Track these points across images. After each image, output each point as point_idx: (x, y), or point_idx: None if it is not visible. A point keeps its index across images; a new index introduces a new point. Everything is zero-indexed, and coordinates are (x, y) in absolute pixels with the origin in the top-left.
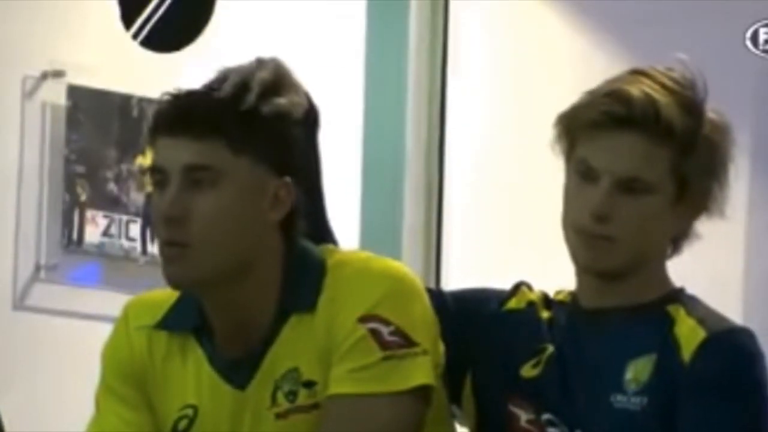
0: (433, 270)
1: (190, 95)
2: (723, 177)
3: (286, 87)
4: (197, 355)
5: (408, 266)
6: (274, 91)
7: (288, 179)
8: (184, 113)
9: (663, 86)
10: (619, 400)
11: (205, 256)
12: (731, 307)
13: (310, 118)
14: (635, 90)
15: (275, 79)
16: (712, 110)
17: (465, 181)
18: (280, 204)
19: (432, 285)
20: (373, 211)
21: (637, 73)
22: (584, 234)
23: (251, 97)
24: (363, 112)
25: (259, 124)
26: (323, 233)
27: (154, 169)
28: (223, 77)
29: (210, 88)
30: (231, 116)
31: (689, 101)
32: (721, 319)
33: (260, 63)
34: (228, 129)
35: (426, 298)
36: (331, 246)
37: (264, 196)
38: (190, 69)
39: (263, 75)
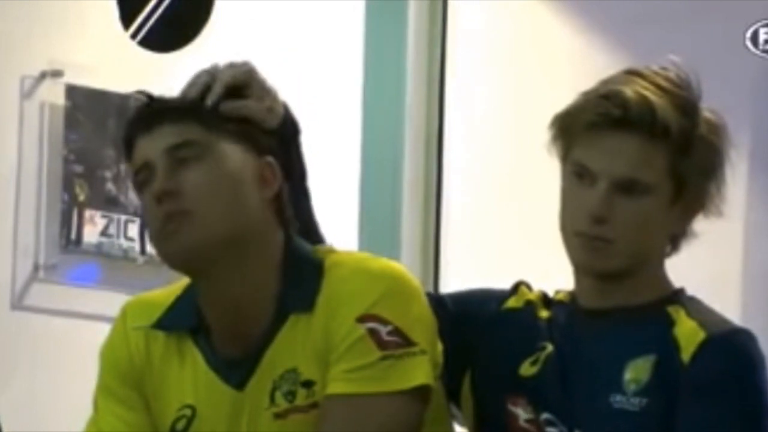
0: (431, 267)
1: (162, 96)
2: (720, 176)
3: (255, 90)
4: (195, 355)
5: (406, 263)
6: (238, 94)
7: (270, 159)
8: (158, 108)
9: (658, 87)
10: (618, 400)
11: (204, 221)
12: (730, 307)
13: (288, 127)
14: (631, 91)
15: (241, 82)
16: (707, 110)
17: (463, 179)
18: (268, 184)
19: (431, 283)
20: (371, 209)
21: (631, 73)
22: (582, 236)
23: (212, 98)
24: (361, 111)
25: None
26: (312, 235)
27: (139, 169)
28: (193, 81)
29: (182, 95)
30: (202, 107)
31: (685, 101)
32: (722, 320)
33: (230, 66)
34: (201, 114)
35: (424, 298)
36: (327, 246)
37: (249, 174)
38: (189, 69)
39: (226, 78)
